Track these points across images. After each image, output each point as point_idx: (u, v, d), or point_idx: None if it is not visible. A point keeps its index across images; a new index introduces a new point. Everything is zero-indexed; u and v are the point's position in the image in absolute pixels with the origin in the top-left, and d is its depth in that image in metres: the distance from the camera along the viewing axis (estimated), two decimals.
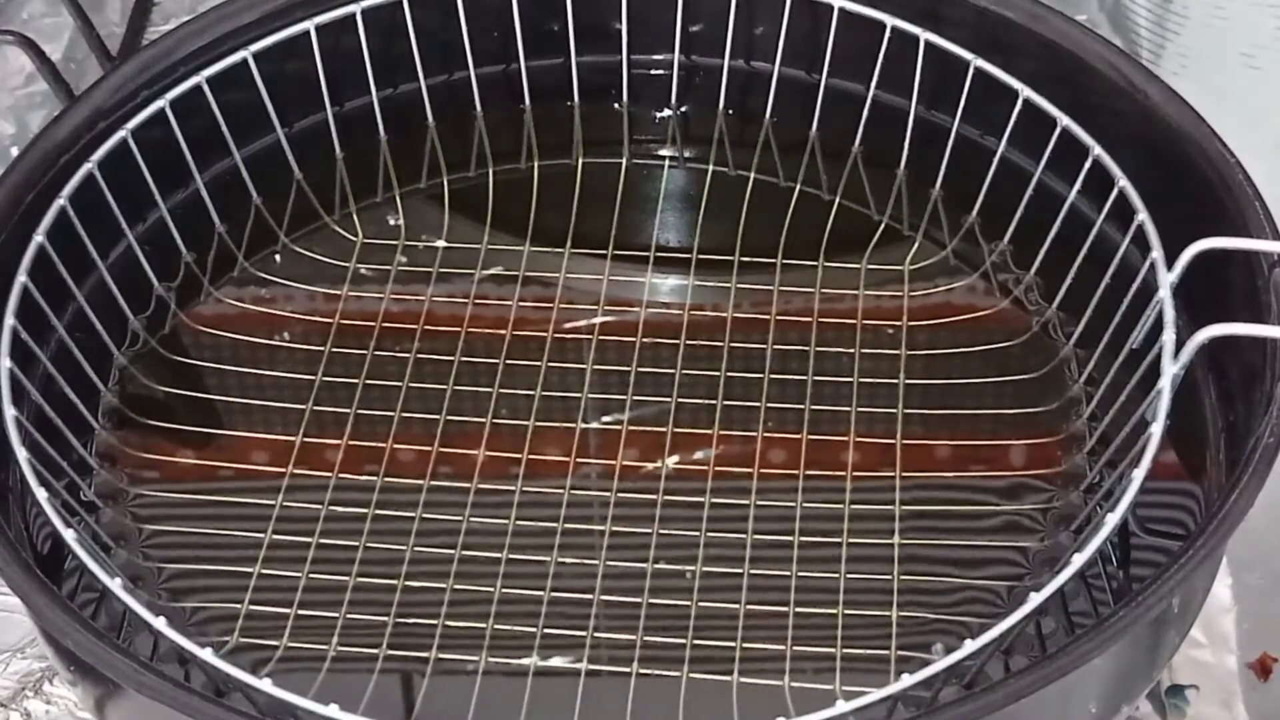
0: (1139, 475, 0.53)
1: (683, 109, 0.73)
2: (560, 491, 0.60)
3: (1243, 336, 0.55)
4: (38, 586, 0.52)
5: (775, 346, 0.64)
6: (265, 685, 0.50)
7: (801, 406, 0.62)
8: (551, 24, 0.72)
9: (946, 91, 0.67)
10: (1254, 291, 0.57)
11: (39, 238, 0.60)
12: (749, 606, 0.57)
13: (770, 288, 0.66)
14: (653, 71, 0.73)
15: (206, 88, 0.66)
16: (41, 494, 0.54)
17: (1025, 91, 0.64)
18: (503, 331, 0.65)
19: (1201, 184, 0.60)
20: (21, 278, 0.59)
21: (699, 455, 0.61)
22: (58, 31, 0.84)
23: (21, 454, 0.55)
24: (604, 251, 0.68)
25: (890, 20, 0.67)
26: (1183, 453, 0.57)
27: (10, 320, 0.58)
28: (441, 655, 0.56)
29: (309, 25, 0.68)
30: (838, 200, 0.70)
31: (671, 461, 0.61)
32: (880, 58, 0.68)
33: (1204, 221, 0.58)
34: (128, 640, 0.57)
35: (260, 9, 0.68)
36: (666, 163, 0.72)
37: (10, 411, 0.56)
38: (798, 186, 0.71)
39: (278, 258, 0.69)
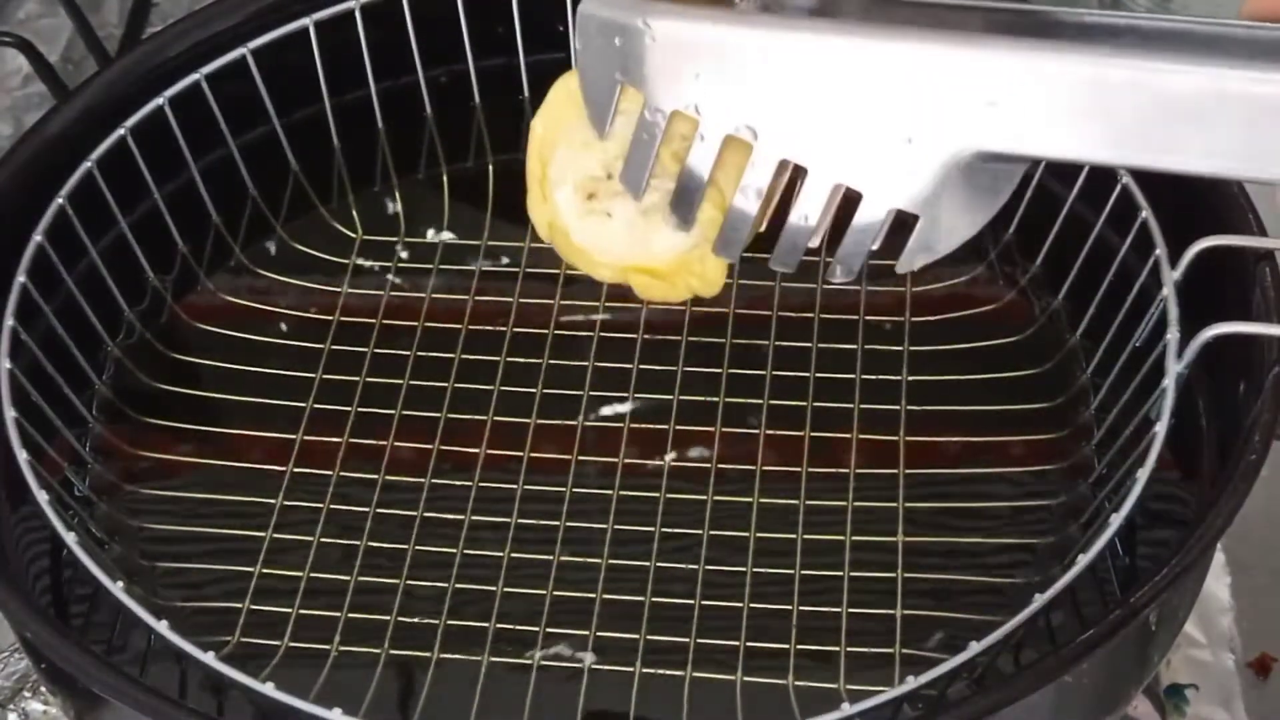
0: (1144, 474, 0.54)
1: None
2: (562, 489, 0.60)
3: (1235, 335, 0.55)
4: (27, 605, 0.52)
5: (777, 343, 0.64)
6: (268, 689, 0.50)
7: (804, 403, 0.62)
8: (553, 23, 0.71)
9: None
10: (1245, 289, 0.57)
11: (38, 237, 0.60)
12: (752, 605, 0.57)
13: (772, 283, 0.66)
14: None
15: (205, 84, 0.66)
16: (43, 497, 0.54)
17: None
18: (503, 328, 0.65)
19: (1195, 191, 0.60)
20: (21, 278, 0.59)
21: (701, 452, 0.61)
22: (55, 32, 0.84)
23: (22, 455, 0.55)
24: None
25: None
26: (1179, 446, 0.57)
27: (10, 321, 0.58)
28: (444, 655, 0.56)
29: (307, 21, 0.68)
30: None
31: (672, 458, 0.61)
32: None
33: (1198, 227, 0.58)
34: (123, 636, 0.57)
35: (256, 5, 0.68)
36: None
37: (10, 413, 0.55)
38: None
39: (273, 249, 0.69)
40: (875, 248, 0.49)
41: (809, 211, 0.49)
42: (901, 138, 0.47)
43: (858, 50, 0.47)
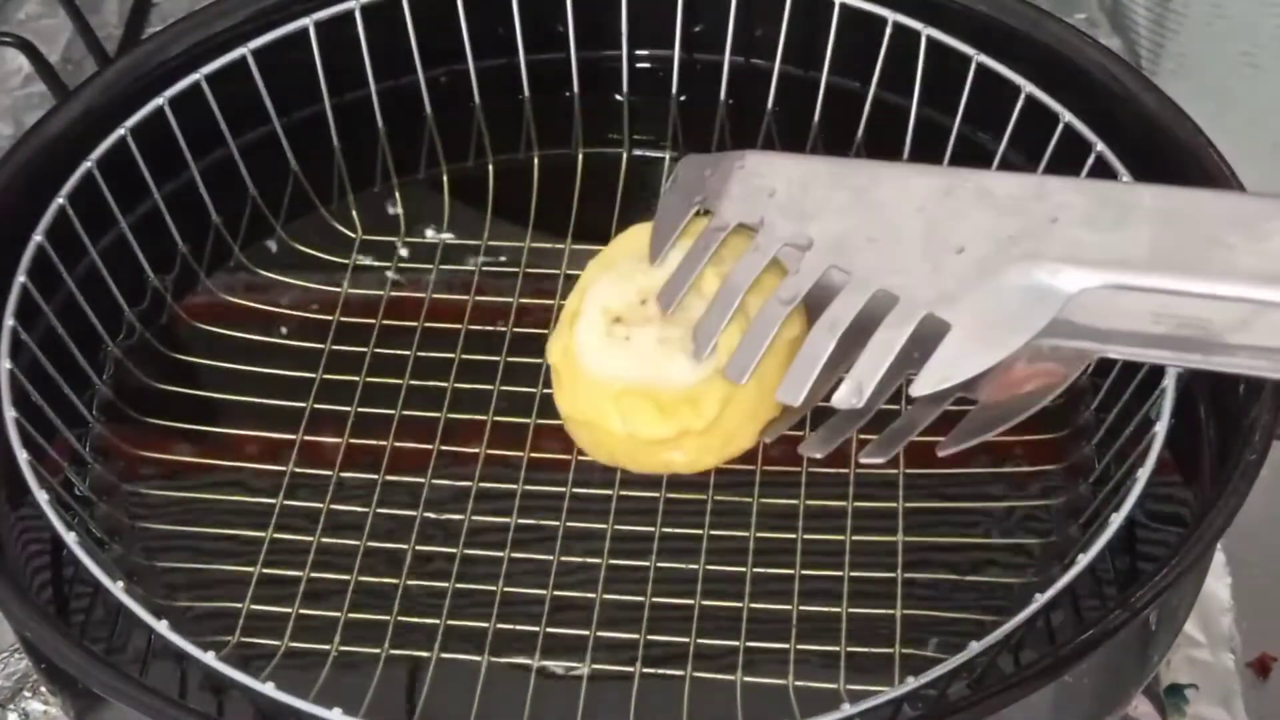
0: (1144, 475, 0.54)
1: (683, 99, 0.73)
2: (562, 489, 0.60)
3: None
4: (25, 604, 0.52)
5: None
6: (267, 689, 0.50)
7: None
8: (553, 23, 0.71)
9: (947, 87, 0.67)
10: None
11: (38, 237, 0.60)
12: (752, 605, 0.57)
13: None
14: (653, 65, 0.73)
15: (205, 84, 0.66)
16: (43, 496, 0.54)
17: (1028, 87, 0.64)
18: (503, 328, 0.65)
19: None
20: (21, 278, 0.59)
21: None
22: (55, 33, 0.84)
23: (23, 455, 0.55)
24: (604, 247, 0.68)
25: (892, 16, 0.67)
26: (1179, 446, 0.57)
27: (10, 321, 0.58)
28: (444, 654, 0.56)
29: (307, 21, 0.68)
30: None
31: None
32: (882, 52, 0.68)
33: None
34: (123, 636, 0.57)
35: (256, 5, 0.68)
36: (668, 154, 0.72)
37: (10, 413, 0.55)
38: None
39: (273, 249, 0.69)
40: (890, 365, 0.47)
41: (839, 317, 0.48)
42: (953, 247, 0.47)
43: (927, 172, 0.51)
